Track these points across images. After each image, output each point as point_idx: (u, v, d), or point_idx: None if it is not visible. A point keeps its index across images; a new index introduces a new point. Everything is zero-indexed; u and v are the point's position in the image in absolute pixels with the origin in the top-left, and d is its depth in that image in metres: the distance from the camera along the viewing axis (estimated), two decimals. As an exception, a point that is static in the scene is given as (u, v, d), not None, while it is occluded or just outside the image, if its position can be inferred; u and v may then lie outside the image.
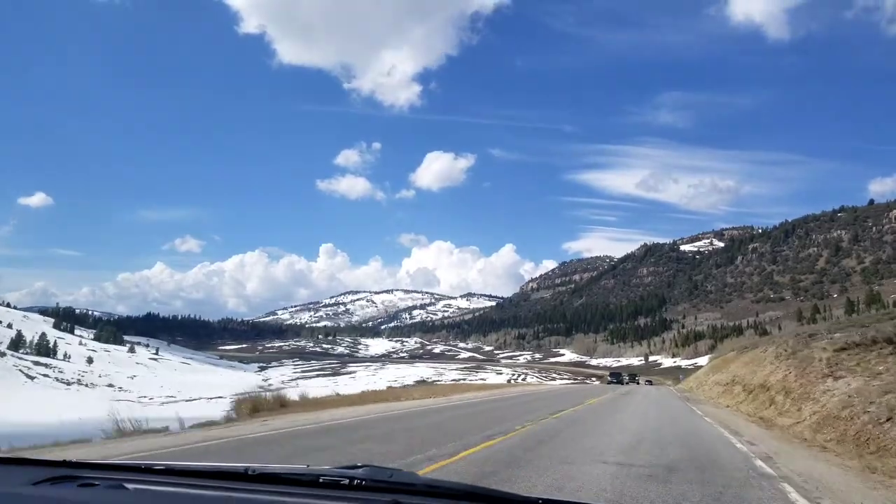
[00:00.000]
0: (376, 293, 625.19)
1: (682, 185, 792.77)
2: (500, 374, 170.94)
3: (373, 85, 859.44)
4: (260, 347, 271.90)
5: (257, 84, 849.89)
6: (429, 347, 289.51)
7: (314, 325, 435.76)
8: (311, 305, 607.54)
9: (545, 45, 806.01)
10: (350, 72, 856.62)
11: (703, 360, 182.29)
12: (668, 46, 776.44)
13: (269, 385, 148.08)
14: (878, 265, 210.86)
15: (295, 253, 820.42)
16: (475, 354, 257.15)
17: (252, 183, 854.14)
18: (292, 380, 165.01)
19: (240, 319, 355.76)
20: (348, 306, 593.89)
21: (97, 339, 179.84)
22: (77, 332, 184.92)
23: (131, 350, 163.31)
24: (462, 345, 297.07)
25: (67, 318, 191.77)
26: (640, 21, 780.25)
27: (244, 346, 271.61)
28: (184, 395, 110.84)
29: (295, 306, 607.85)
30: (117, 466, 1.51)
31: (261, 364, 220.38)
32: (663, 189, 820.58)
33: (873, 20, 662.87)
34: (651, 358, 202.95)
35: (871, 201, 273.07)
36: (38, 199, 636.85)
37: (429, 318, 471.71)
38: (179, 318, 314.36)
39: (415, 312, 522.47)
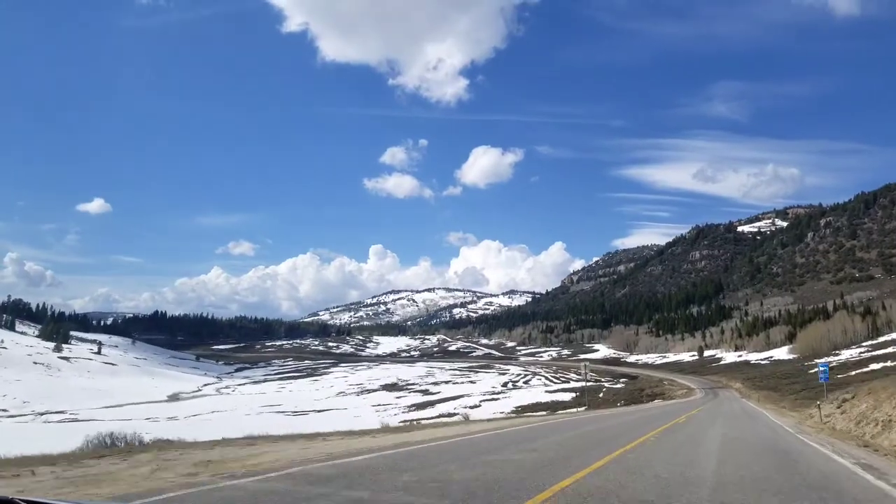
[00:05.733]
0: (418, 292, 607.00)
1: (742, 174, 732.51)
2: (504, 374, 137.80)
3: (418, 80, 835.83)
4: (258, 346, 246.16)
5: (302, 84, 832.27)
6: (446, 345, 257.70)
7: (354, 325, 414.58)
8: (352, 306, 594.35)
9: (593, 37, 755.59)
10: (395, 68, 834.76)
11: (779, 353, 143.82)
12: (720, 36, 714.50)
13: (198, 392, 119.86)
14: None
15: (345, 254, 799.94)
16: (493, 351, 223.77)
17: (301, 185, 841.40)
18: (243, 384, 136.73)
19: (251, 317, 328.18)
20: (389, 306, 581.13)
21: (41, 335, 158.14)
22: (19, 328, 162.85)
23: (57, 348, 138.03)
24: (484, 341, 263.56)
25: (12, 312, 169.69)
26: (689, 11, 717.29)
27: (241, 345, 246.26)
28: (33, 406, 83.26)
29: (337, 307, 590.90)
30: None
31: (244, 364, 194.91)
32: (721, 179, 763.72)
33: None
34: (707, 353, 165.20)
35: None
36: (96, 206, 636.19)
37: (468, 316, 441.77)
38: (191, 316, 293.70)
39: (455, 311, 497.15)
